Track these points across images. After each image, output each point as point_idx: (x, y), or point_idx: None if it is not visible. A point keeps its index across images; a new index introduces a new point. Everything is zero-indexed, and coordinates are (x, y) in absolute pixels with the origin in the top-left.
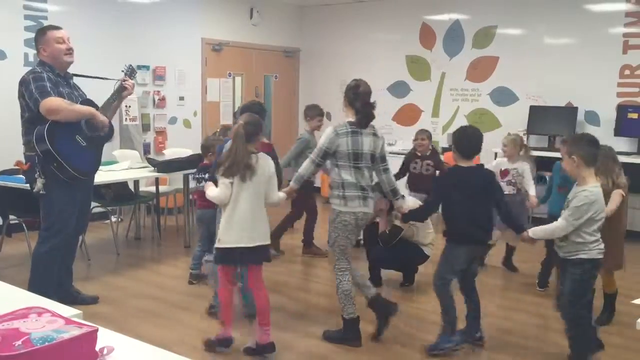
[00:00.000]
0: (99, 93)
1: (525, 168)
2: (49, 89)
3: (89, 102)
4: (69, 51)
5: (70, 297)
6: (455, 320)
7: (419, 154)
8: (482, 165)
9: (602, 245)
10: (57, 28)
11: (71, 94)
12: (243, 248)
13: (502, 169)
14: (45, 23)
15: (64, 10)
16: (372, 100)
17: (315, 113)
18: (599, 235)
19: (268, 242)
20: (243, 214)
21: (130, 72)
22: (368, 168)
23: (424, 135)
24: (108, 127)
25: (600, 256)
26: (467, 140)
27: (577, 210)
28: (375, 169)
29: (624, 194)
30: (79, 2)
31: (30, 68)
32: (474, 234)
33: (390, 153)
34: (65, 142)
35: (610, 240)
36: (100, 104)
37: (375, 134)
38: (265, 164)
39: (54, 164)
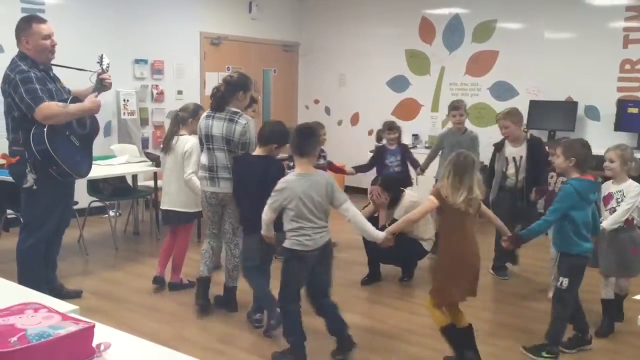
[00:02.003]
0: (76, 83)
1: (632, 190)
2: (40, 92)
3: (76, 100)
4: (54, 48)
5: (54, 292)
6: None
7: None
8: None
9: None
10: (43, 21)
11: (58, 91)
12: (168, 210)
13: (606, 193)
14: (42, 16)
15: (61, 4)
16: (221, 87)
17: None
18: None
19: (185, 209)
20: (165, 183)
21: (100, 61)
22: (220, 150)
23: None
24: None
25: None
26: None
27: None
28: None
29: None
30: None
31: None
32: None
33: None
34: (61, 144)
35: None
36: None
37: (230, 120)
38: (182, 144)
39: (52, 167)
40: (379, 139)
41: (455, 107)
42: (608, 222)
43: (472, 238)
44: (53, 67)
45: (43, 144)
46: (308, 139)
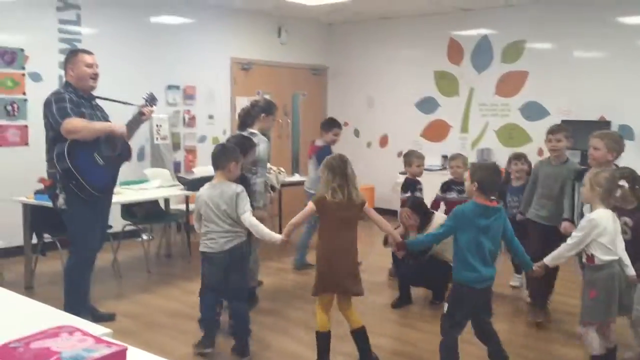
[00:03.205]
0: (121, 116)
1: (582, 221)
2: (69, 110)
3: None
4: (95, 76)
5: (89, 315)
6: None
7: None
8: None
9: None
10: (89, 53)
11: (93, 115)
12: None
13: None
14: (79, 45)
15: (97, 33)
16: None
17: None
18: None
19: None
20: None
21: (151, 100)
22: None
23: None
24: (126, 136)
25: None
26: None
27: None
28: None
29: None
30: (111, 24)
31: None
32: None
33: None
34: (83, 160)
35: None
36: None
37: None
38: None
39: (72, 182)
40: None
41: (552, 130)
42: (548, 257)
43: (348, 238)
44: (97, 99)
45: (64, 160)
46: (221, 155)
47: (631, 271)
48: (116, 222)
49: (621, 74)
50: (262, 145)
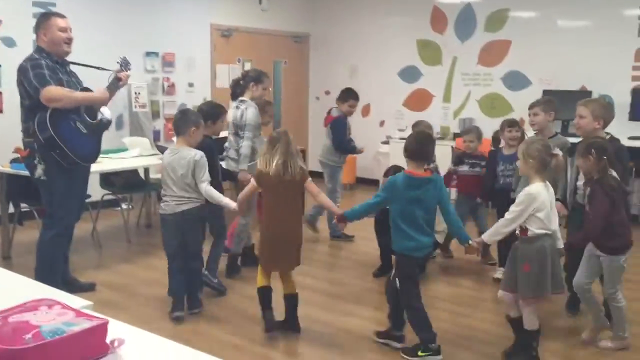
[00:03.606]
0: (95, 82)
1: (520, 196)
2: (48, 77)
3: (86, 89)
4: (69, 41)
5: (67, 285)
6: None
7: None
8: None
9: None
10: (62, 16)
11: (69, 82)
12: None
13: None
14: (53, 10)
15: None
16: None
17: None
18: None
19: None
20: None
21: (125, 64)
22: (231, 133)
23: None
24: (108, 102)
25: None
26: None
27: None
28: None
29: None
30: None
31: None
32: None
33: (400, 139)
34: (66, 129)
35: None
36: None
37: (237, 107)
38: None
39: (56, 151)
40: (496, 141)
41: (530, 105)
42: (486, 233)
43: (290, 214)
44: (72, 64)
45: (46, 129)
46: (181, 120)
47: (561, 244)
48: (95, 191)
49: (604, 43)
50: (249, 110)
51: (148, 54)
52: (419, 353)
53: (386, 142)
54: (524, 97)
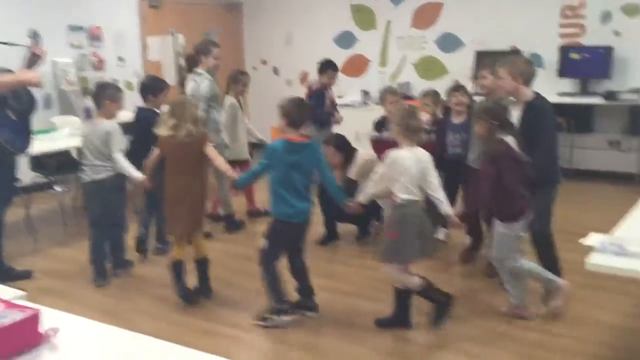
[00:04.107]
0: (6, 59)
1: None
2: None
3: (6, 72)
4: None
5: (3, 274)
6: None
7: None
8: None
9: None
10: None
11: None
12: None
13: None
14: None
15: None
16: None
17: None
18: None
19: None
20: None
21: (35, 36)
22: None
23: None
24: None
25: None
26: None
27: None
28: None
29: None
30: None
31: None
32: None
33: (340, 105)
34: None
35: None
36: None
37: (193, 80)
38: None
39: None
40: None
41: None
42: (361, 194)
43: (188, 175)
44: None
45: None
46: (95, 93)
47: (445, 208)
48: (25, 175)
49: (530, 2)
50: (204, 84)
51: (72, 28)
52: (266, 314)
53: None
54: (458, 59)
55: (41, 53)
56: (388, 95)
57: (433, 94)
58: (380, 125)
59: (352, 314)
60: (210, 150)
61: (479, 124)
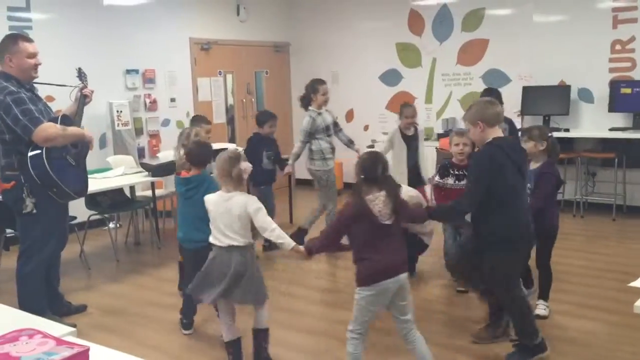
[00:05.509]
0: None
1: None
2: (36, 112)
3: (66, 118)
4: (37, 67)
5: (59, 308)
6: None
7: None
8: None
9: None
10: (29, 40)
11: (46, 109)
12: None
13: None
14: (30, 32)
15: (48, 18)
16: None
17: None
18: None
19: None
20: None
21: (84, 77)
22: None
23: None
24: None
25: None
26: None
27: None
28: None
29: None
30: (63, 9)
31: None
32: None
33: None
34: (59, 165)
35: None
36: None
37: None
38: None
39: (53, 189)
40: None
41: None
42: None
43: None
44: (35, 86)
45: (42, 167)
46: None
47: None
48: (81, 212)
49: (580, 37)
50: (304, 120)
51: (128, 71)
52: None
53: (371, 146)
54: (504, 95)
55: (89, 93)
56: (455, 136)
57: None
58: (444, 170)
59: (395, 352)
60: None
61: None
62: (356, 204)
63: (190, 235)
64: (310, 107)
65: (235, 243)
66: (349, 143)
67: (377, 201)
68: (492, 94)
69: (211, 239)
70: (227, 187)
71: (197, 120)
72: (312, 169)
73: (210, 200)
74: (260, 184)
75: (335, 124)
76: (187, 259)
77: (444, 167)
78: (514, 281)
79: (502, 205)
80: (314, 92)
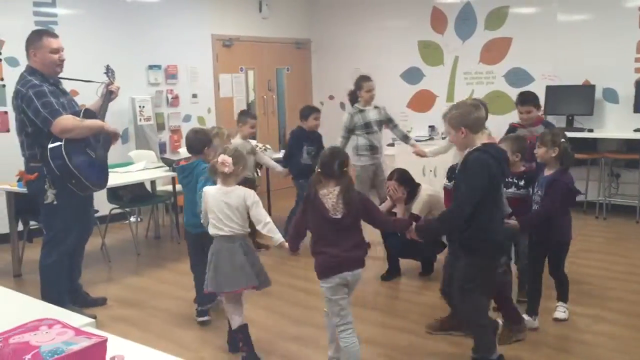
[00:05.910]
0: (85, 93)
1: None
2: (56, 105)
3: (89, 112)
4: (62, 62)
5: (80, 300)
6: None
7: None
8: None
9: None
10: (55, 36)
11: (70, 103)
12: None
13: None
14: (56, 28)
15: (74, 14)
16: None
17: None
18: None
19: None
20: None
21: (112, 73)
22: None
23: None
24: (119, 135)
25: None
26: None
27: None
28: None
29: None
30: (88, 4)
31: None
32: None
33: None
34: (79, 157)
35: None
36: (86, 105)
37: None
38: None
39: (72, 181)
40: None
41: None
42: None
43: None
44: (61, 80)
45: (61, 159)
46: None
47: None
48: (103, 206)
49: (605, 36)
50: (344, 117)
51: (151, 67)
52: None
53: (392, 145)
54: None
55: (115, 89)
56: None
57: (513, 141)
58: (453, 173)
59: (413, 351)
60: None
61: None
62: (307, 197)
63: (191, 220)
64: (356, 104)
65: (236, 231)
66: (404, 138)
67: (331, 195)
68: (528, 97)
69: (212, 230)
70: (228, 181)
71: (243, 114)
72: None
73: (209, 192)
74: (299, 177)
75: (390, 120)
76: (190, 241)
77: (453, 170)
78: (481, 289)
79: (483, 212)
80: (359, 88)
